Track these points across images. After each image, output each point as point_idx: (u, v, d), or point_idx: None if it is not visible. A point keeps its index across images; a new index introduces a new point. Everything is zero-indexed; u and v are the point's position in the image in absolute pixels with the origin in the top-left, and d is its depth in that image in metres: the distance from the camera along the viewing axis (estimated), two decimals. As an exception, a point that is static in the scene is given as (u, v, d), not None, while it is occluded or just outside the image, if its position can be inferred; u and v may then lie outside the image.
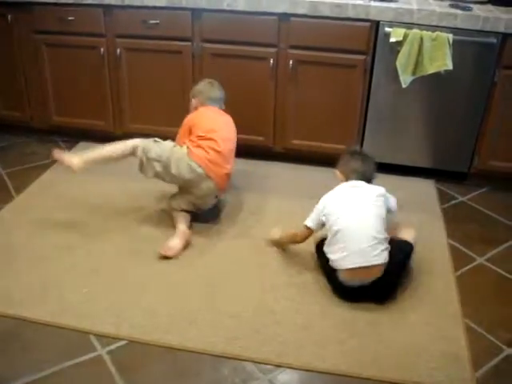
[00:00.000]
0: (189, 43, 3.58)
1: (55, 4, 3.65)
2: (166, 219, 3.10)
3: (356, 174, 2.70)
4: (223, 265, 2.79)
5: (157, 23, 3.55)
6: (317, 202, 2.66)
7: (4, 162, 3.79)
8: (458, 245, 3.02)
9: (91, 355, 2.24)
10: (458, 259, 2.90)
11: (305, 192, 3.42)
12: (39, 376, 2.14)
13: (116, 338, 2.32)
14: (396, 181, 3.64)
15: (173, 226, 2.98)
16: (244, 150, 3.72)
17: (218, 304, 2.52)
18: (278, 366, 2.21)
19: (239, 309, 2.48)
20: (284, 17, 3.39)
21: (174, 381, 2.13)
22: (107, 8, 3.60)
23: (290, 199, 3.38)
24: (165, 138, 3.64)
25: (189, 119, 3.16)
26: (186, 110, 3.72)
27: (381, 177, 3.64)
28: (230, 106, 3.66)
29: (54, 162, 3.73)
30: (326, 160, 3.72)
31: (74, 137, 4.13)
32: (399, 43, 3.27)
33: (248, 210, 3.26)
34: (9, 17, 3.76)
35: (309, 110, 3.63)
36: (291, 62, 3.48)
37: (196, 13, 3.50)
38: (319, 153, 3.73)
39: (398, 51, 3.29)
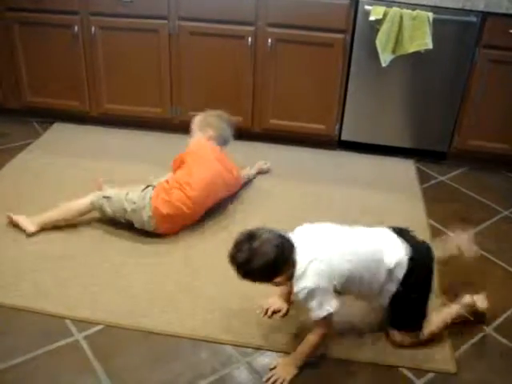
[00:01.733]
0: (165, 21, 3.51)
1: (27, -20, 3.55)
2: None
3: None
4: (202, 251, 2.76)
5: (132, 1, 3.47)
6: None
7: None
8: (437, 224, 3.02)
9: (67, 340, 2.20)
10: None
11: (287, 172, 3.40)
12: (13, 363, 2.09)
13: (92, 323, 2.28)
14: (376, 161, 3.63)
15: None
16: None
17: (195, 288, 2.49)
18: (258, 348, 2.19)
19: (217, 293, 2.46)
20: (260, -6, 3.34)
21: (152, 365, 2.11)
22: (81, -15, 3.51)
23: (273, 181, 3.35)
24: (139, 118, 3.59)
25: (184, 155, 2.97)
26: (161, 90, 3.67)
27: (360, 157, 3.64)
28: (208, 86, 3.62)
29: (29, 143, 3.68)
30: (306, 140, 3.71)
31: (50, 117, 4.04)
32: (379, 22, 3.23)
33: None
34: (-22, -7, 3.65)
35: (288, 89, 3.58)
36: (270, 41, 3.43)
37: (172, -10, 3.43)
38: (299, 132, 3.69)
39: (378, 30, 3.26)
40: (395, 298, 2.12)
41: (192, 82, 3.66)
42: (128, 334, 2.23)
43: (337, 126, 3.66)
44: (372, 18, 3.23)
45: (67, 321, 2.29)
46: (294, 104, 3.61)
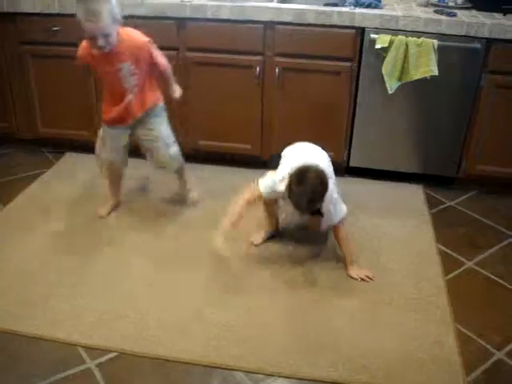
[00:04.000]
0: (174, 52, 3.57)
1: (40, 14, 3.63)
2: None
3: None
4: (209, 274, 2.78)
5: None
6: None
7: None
8: (446, 249, 3.02)
9: (80, 368, 2.22)
10: (448, 263, 2.90)
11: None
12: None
13: (105, 350, 2.30)
14: (384, 186, 3.65)
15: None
16: (231, 159, 3.74)
17: (207, 315, 2.50)
18: (270, 375, 2.19)
19: (228, 319, 2.47)
20: (269, 25, 3.39)
21: (164, 392, 2.12)
22: (92, 18, 3.58)
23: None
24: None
25: None
26: (171, 119, 3.72)
27: (368, 182, 3.66)
28: (216, 115, 3.67)
29: (42, 173, 3.73)
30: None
31: (61, 147, 4.10)
32: (385, 50, 3.28)
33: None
34: (-6, 27, 3.75)
35: (295, 117, 3.62)
36: (277, 70, 3.48)
37: (181, 22, 3.49)
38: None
39: (384, 57, 3.30)
40: None
41: (201, 112, 3.71)
42: (140, 362, 2.25)
43: (345, 153, 3.69)
44: (378, 46, 3.28)
45: (80, 348, 2.31)
46: (302, 132, 3.63)
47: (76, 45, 3.63)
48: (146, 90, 2.96)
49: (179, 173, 3.32)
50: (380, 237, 3.10)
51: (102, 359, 2.26)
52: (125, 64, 2.81)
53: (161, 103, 3.07)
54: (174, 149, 3.15)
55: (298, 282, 2.72)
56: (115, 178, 3.28)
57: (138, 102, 2.95)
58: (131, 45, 2.79)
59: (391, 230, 3.18)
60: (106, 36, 2.63)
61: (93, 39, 2.64)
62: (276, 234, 3.08)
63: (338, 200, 2.73)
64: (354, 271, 2.76)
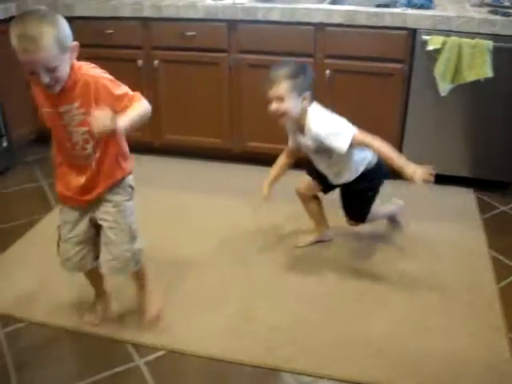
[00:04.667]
0: (225, 54, 3.60)
1: (94, 18, 3.72)
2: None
3: None
4: (259, 275, 2.79)
5: (194, 35, 3.58)
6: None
7: (45, 172, 3.85)
8: (499, 256, 2.95)
9: (129, 365, 2.25)
10: (500, 270, 2.83)
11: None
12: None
13: (154, 349, 2.32)
14: (435, 190, 3.57)
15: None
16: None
17: (259, 316, 2.50)
18: (320, 377, 2.18)
19: (279, 321, 2.46)
20: (320, 26, 3.38)
21: (211, 392, 2.13)
22: (144, 20, 3.65)
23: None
24: (199, 149, 3.70)
25: None
26: (221, 121, 3.75)
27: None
28: (268, 117, 3.67)
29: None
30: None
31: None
32: (437, 51, 3.23)
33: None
34: (49, 31, 3.83)
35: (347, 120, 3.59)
36: (328, 72, 3.47)
37: (232, 24, 3.52)
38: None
39: (436, 59, 3.25)
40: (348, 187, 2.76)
41: (252, 113, 3.72)
42: (188, 361, 2.26)
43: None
44: (430, 47, 3.24)
45: (129, 346, 2.34)
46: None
47: (129, 47, 3.73)
48: (109, 157, 2.16)
49: (138, 279, 2.44)
50: (431, 241, 3.05)
51: (151, 357, 2.29)
52: (70, 106, 2.01)
53: (130, 177, 2.28)
54: (138, 245, 2.29)
55: (345, 284, 2.70)
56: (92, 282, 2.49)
57: (96, 174, 2.14)
58: (85, 82, 2.02)
59: (442, 233, 3.13)
60: (51, 71, 1.88)
61: (34, 75, 1.88)
62: (326, 240, 3.06)
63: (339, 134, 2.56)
64: (411, 169, 2.45)
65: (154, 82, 3.81)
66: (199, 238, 3.09)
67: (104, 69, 3.90)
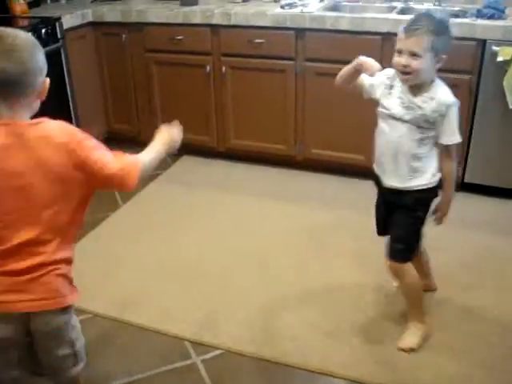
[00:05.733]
0: (292, 62, 3.64)
1: (166, 24, 3.83)
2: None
3: None
4: (317, 281, 2.81)
5: (261, 42, 3.64)
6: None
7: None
8: None
9: (186, 363, 2.31)
10: None
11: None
12: (133, 379, 2.23)
13: (212, 347, 2.38)
14: (501, 204, 3.52)
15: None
16: (341, 168, 3.75)
17: (315, 322, 2.52)
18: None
19: (337, 327, 2.48)
20: (387, 36, 3.38)
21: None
22: (214, 27, 3.73)
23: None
24: (263, 154, 3.74)
25: None
26: (286, 127, 3.79)
27: (485, 200, 3.54)
28: (332, 125, 3.68)
29: (159, 174, 3.90)
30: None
31: (179, 150, 4.26)
32: (507, 62, 3.18)
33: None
34: (123, 36, 3.99)
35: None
36: (394, 81, 3.45)
37: (299, 32, 3.56)
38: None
39: (506, 71, 3.20)
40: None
41: (316, 121, 3.75)
42: (245, 362, 2.30)
43: (460, 168, 3.60)
44: (500, 58, 3.18)
45: (186, 343, 2.40)
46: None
47: (198, 53, 3.83)
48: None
49: None
50: (494, 256, 3.00)
51: (208, 356, 2.34)
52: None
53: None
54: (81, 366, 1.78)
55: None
56: None
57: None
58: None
59: (507, 248, 3.06)
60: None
61: None
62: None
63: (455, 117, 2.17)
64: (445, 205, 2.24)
65: (221, 88, 3.89)
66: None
67: (173, 74, 4.10)
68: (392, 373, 2.23)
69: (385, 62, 3.41)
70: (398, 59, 2.13)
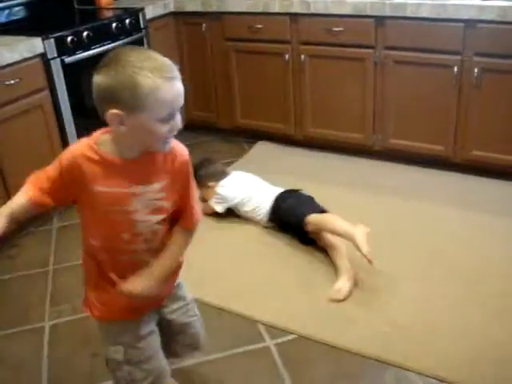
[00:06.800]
0: (371, 50, 3.60)
1: (245, 13, 3.88)
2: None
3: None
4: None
5: (341, 30, 3.62)
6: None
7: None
8: None
9: (259, 345, 2.35)
10: None
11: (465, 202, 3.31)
12: (208, 358, 2.28)
13: (286, 332, 2.41)
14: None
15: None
16: (416, 158, 3.68)
17: (378, 311, 2.51)
18: (442, 381, 2.14)
19: (404, 319, 2.45)
20: (470, 23, 3.28)
21: (335, 381, 2.17)
22: (293, 16, 3.74)
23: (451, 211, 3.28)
24: (340, 143, 3.73)
25: None
26: (364, 116, 3.76)
27: None
28: (411, 114, 3.63)
29: (235, 160, 3.95)
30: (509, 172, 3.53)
31: (255, 137, 4.33)
32: None
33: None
34: (203, 25, 4.07)
35: (494, 120, 3.44)
36: (476, 71, 3.34)
37: (379, 20, 3.51)
38: (501, 165, 3.53)
39: None
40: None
41: (395, 110, 3.70)
42: (318, 347, 2.32)
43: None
44: None
45: (261, 326, 2.45)
46: (500, 134, 3.45)
47: (277, 41, 3.85)
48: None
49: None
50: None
51: (281, 340, 2.37)
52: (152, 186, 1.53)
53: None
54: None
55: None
56: None
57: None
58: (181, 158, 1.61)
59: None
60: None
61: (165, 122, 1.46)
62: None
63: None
64: None
65: (299, 76, 3.90)
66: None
67: (252, 62, 4.16)
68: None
69: (466, 50, 3.34)
70: None
